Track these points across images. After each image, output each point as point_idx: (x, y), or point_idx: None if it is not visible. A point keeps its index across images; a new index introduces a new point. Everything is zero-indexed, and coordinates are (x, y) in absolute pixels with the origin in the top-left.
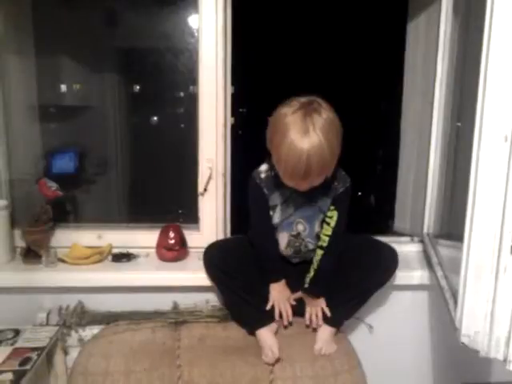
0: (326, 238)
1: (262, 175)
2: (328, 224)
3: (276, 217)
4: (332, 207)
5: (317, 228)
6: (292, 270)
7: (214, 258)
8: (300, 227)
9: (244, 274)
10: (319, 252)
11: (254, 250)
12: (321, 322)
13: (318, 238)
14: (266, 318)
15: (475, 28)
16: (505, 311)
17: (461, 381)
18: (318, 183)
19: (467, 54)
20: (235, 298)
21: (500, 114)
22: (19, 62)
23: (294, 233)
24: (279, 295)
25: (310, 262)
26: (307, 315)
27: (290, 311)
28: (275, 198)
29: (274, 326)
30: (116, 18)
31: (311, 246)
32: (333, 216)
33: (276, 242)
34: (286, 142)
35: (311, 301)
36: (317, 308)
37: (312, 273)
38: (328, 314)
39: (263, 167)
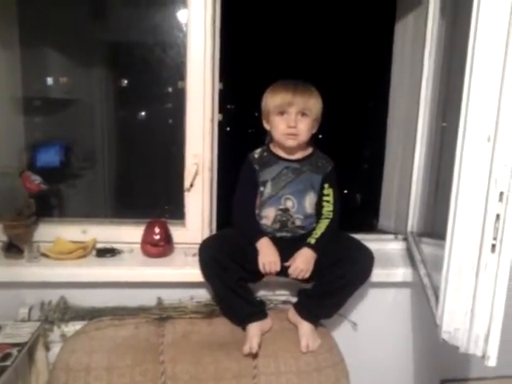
0: (330, 213)
1: (256, 155)
2: (328, 201)
3: (266, 192)
4: (326, 185)
5: (307, 206)
6: (279, 248)
7: (210, 249)
8: (289, 203)
9: (239, 267)
10: (326, 221)
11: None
12: (307, 274)
13: (308, 217)
14: (258, 312)
15: (462, 29)
16: (484, 308)
17: (440, 377)
18: (305, 128)
19: (454, 54)
20: (228, 291)
21: (483, 115)
22: (3, 54)
23: (282, 207)
24: (266, 252)
25: (298, 238)
26: (294, 268)
27: (278, 263)
28: (266, 174)
29: (267, 322)
30: (104, 10)
31: (299, 223)
32: (329, 193)
33: (255, 215)
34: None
35: (303, 257)
36: (305, 267)
37: (319, 234)
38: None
39: (257, 149)
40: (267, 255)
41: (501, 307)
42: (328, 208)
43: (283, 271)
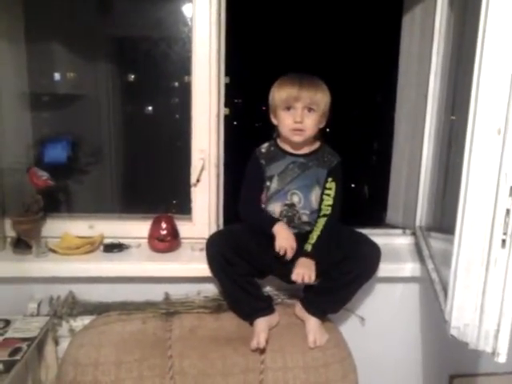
0: (329, 208)
1: (263, 150)
2: (328, 195)
3: (272, 187)
4: (330, 179)
5: (313, 201)
6: None
7: (217, 244)
8: (295, 198)
9: (246, 262)
10: (322, 220)
11: (248, 228)
12: (312, 278)
13: (314, 212)
14: (265, 307)
15: (471, 21)
16: (494, 304)
17: (449, 372)
18: (312, 123)
19: (462, 46)
20: (235, 286)
21: (493, 107)
22: (9, 49)
23: (288, 202)
24: (283, 235)
25: (304, 235)
26: (296, 273)
27: (294, 246)
28: (273, 169)
29: (274, 317)
30: (109, 5)
31: (305, 218)
32: (331, 187)
33: (261, 208)
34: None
35: (304, 264)
36: (307, 272)
37: (315, 238)
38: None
39: (265, 144)
40: (284, 239)
41: (511, 303)
42: (327, 202)
43: (290, 280)
